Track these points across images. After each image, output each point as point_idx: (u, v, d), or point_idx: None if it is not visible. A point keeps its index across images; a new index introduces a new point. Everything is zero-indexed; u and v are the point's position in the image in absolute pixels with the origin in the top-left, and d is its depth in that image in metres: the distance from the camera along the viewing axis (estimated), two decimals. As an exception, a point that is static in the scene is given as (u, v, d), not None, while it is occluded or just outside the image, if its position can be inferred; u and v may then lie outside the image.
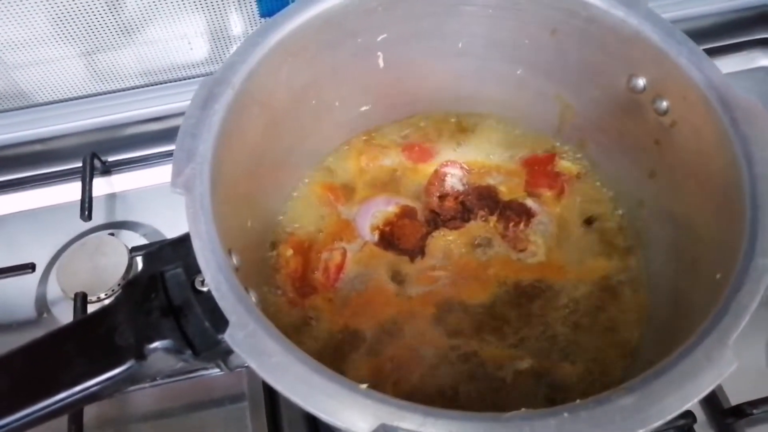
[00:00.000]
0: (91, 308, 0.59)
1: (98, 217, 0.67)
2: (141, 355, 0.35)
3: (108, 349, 0.35)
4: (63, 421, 0.52)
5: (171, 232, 0.67)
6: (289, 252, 0.53)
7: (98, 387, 0.35)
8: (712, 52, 0.75)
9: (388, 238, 0.55)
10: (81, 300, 0.58)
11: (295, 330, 0.50)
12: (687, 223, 0.46)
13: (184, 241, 0.36)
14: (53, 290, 0.63)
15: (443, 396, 0.47)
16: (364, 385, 0.31)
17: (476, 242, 0.55)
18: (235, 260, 0.38)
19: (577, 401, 0.31)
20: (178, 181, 0.37)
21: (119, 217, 0.69)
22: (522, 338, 0.50)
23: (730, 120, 0.40)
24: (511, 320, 0.51)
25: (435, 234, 0.55)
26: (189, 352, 0.35)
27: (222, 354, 0.37)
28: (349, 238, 0.55)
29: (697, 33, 0.80)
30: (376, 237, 0.55)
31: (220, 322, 0.33)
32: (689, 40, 0.44)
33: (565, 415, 0.30)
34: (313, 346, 0.49)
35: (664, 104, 0.46)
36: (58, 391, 0.34)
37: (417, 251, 0.55)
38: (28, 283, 0.63)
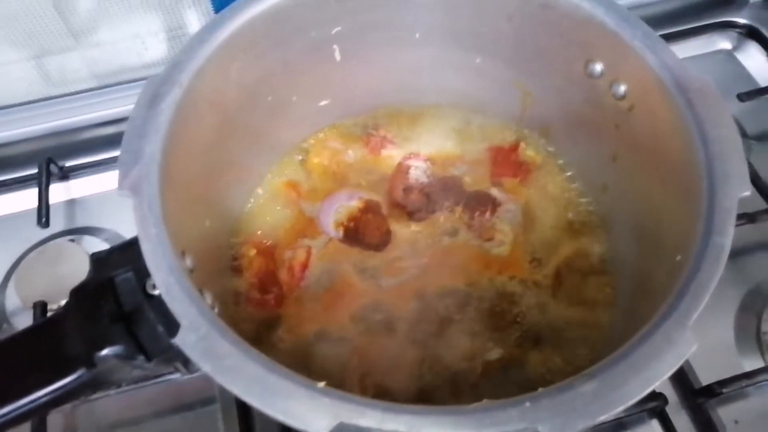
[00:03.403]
0: (51, 317, 0.58)
1: (57, 223, 0.65)
2: (91, 363, 0.34)
3: (57, 358, 0.34)
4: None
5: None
6: (252, 252, 0.52)
7: (49, 397, 0.34)
8: (673, 36, 0.77)
9: (353, 234, 0.54)
10: (40, 309, 0.57)
11: (261, 331, 0.49)
12: (648, 206, 0.46)
13: (134, 244, 0.35)
14: (12, 301, 0.61)
15: (412, 389, 0.47)
16: (322, 383, 0.31)
17: (442, 233, 0.55)
18: (189, 262, 0.38)
19: (540, 390, 0.31)
20: (124, 183, 0.36)
21: (79, 222, 0.67)
22: (491, 328, 0.50)
23: (685, 101, 0.40)
24: (479, 310, 0.51)
25: (400, 226, 0.55)
26: (141, 357, 0.34)
27: (178, 358, 0.36)
28: (313, 234, 0.54)
29: (658, 17, 0.81)
30: (341, 233, 0.54)
31: (173, 325, 0.32)
32: (643, 23, 0.43)
33: (527, 404, 0.30)
34: (281, 345, 0.49)
35: (622, 88, 0.46)
36: (5, 403, 0.33)
37: (383, 245, 0.54)
38: (-14, 294, 0.62)
